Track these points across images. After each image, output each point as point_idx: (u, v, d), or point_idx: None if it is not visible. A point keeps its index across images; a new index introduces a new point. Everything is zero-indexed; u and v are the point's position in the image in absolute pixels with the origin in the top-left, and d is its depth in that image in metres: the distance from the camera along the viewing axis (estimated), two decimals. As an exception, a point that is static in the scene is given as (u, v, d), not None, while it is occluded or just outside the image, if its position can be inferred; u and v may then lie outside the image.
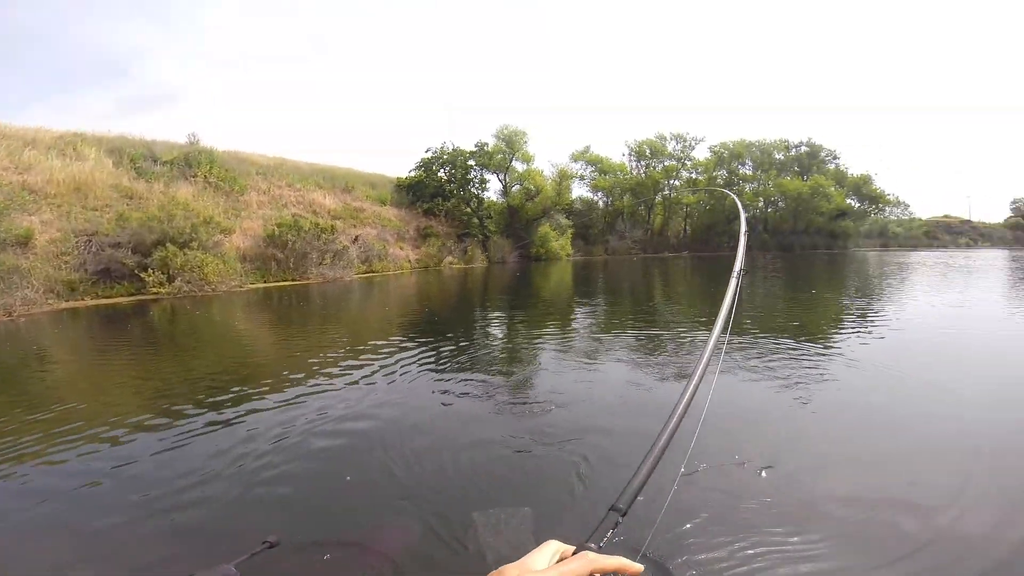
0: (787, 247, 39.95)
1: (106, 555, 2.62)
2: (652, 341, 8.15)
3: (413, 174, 29.97)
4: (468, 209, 30.37)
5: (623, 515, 0.65)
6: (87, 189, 16.48)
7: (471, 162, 30.88)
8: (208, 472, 3.47)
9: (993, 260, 26.42)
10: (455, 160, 30.25)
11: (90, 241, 14.18)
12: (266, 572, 1.70)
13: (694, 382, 0.93)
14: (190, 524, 2.90)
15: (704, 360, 0.98)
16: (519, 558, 0.45)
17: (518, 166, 32.23)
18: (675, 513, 2.72)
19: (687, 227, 42.96)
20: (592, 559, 0.44)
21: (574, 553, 0.47)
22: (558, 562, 0.45)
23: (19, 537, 2.75)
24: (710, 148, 43.06)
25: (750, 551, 2.41)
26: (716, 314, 1.15)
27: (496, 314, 12.21)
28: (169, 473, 3.47)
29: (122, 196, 17.06)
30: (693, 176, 42.52)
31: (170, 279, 13.48)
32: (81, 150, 18.06)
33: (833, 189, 41.58)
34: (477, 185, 31.60)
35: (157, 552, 2.63)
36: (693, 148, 42.01)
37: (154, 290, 13.19)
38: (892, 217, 48.19)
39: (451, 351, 7.67)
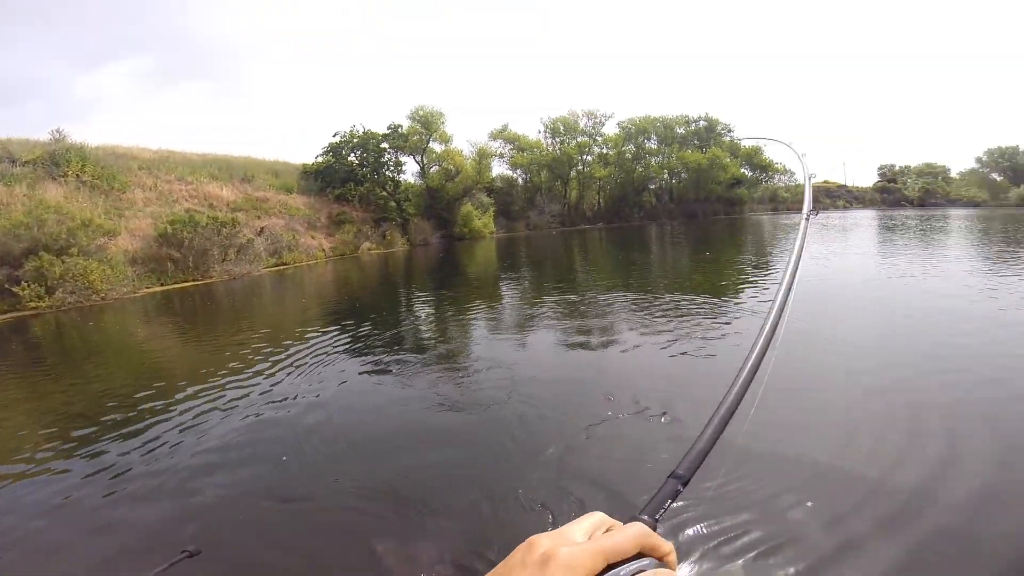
0: (692, 215, 43.18)
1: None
2: (573, 305, 8.55)
3: (320, 159, 28.50)
4: (384, 193, 29.43)
5: (684, 484, 0.59)
6: (-71, 198, 14.25)
7: (384, 145, 29.75)
8: (122, 488, 3.35)
9: (863, 219, 30.70)
10: (366, 143, 29.00)
11: (-58, 256, 12.33)
12: None
13: (760, 343, 0.83)
14: (106, 540, 2.83)
15: (772, 318, 0.88)
16: None
17: (436, 147, 31.56)
18: (730, 485, 2.78)
19: (600, 200, 44.50)
20: (642, 533, 0.40)
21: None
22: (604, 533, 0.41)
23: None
24: (618, 124, 44.97)
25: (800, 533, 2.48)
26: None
27: (423, 294, 12.16)
28: (91, 490, 3.36)
29: (-25, 203, 14.90)
30: (604, 151, 44.07)
31: (49, 291, 12.06)
32: (-86, 154, 15.54)
33: (728, 160, 45.27)
34: (392, 168, 30.55)
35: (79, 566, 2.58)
36: (603, 124, 43.57)
37: (32, 304, 11.74)
38: (780, 184, 53.26)
39: (377, 334, 7.63)
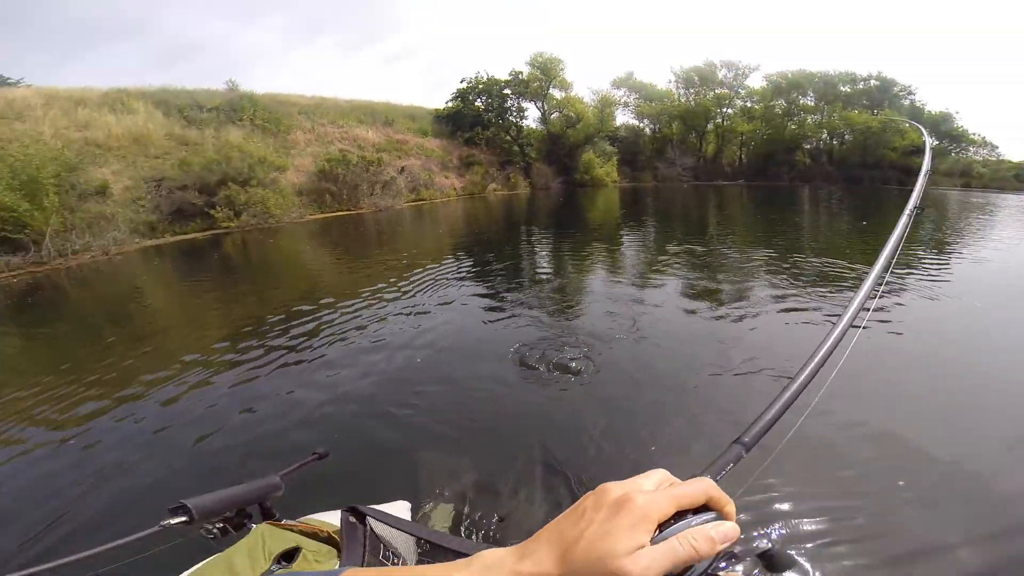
0: (855, 180, 36.89)
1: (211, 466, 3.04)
2: (700, 259, 8.12)
3: (450, 104, 29.66)
4: (508, 137, 30.01)
5: (747, 450, 0.62)
6: (145, 140, 17.16)
7: (506, 91, 30.16)
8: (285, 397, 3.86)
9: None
10: (490, 89, 29.65)
11: (159, 186, 14.95)
12: (308, 481, 1.77)
13: (842, 324, 0.83)
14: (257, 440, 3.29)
15: (857, 302, 0.88)
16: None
17: (556, 93, 31.13)
18: (792, 456, 2.72)
19: (743, 155, 40.38)
20: (709, 486, 0.42)
21: None
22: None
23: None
24: (765, 77, 39.57)
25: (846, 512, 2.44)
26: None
27: (544, 234, 12.47)
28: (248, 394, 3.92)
29: (178, 144, 17.69)
30: (748, 105, 39.44)
31: (237, 214, 14.20)
32: (129, 104, 18.67)
33: (907, 125, 37.93)
34: (515, 113, 30.93)
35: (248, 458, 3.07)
36: (747, 76, 38.88)
37: (224, 224, 13.94)
38: (977, 157, 43.64)
39: (499, 265, 8.11)
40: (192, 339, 5.38)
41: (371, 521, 0.97)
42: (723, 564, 0.41)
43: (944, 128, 40.57)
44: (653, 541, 0.38)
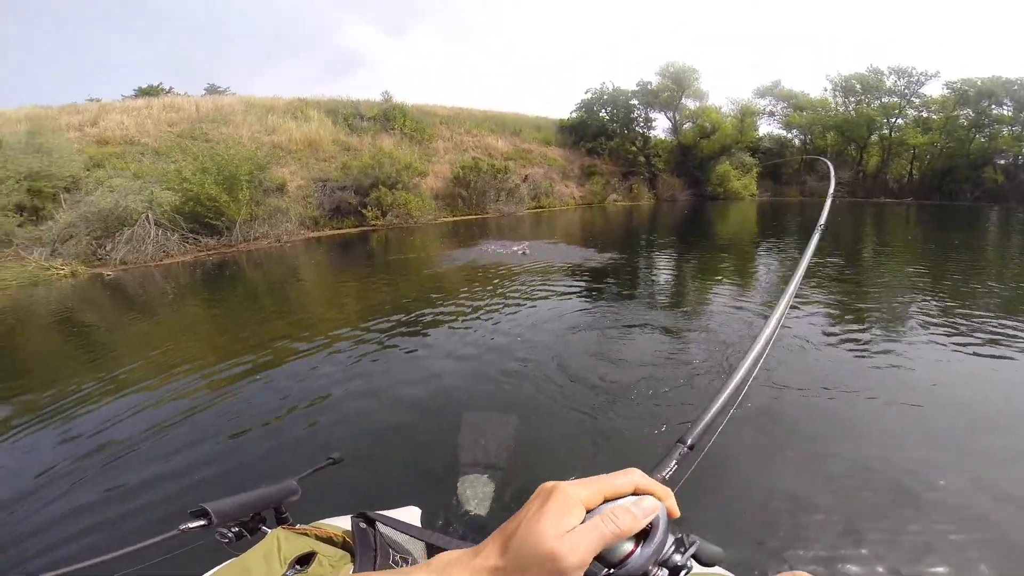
0: None
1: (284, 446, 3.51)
2: (841, 285, 7.59)
3: (575, 115, 30.30)
4: (633, 147, 29.95)
5: (689, 448, 0.65)
6: (317, 145, 20.25)
7: (634, 101, 29.98)
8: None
9: None
10: (616, 99, 29.72)
11: (324, 185, 17.67)
12: (324, 486, 1.79)
13: (771, 326, 0.90)
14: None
15: (782, 307, 0.97)
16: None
17: (689, 103, 30.23)
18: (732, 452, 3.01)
19: (913, 170, 35.53)
20: (638, 475, 0.46)
21: None
22: None
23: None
24: (946, 84, 34.09)
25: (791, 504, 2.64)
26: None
27: (660, 248, 12.50)
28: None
29: (341, 149, 20.62)
30: (923, 115, 34.30)
31: (383, 214, 16.38)
32: (306, 112, 22.06)
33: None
34: (642, 123, 30.74)
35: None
36: (922, 84, 33.85)
37: (372, 222, 16.20)
38: None
39: (606, 275, 8.71)
40: (331, 315, 6.90)
41: (380, 526, 0.99)
42: (677, 555, 0.45)
43: None
44: (593, 512, 0.42)
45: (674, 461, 0.64)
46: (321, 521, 1.09)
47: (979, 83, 33.36)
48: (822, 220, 1.78)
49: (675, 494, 0.46)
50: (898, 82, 33.82)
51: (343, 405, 4.01)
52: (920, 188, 33.94)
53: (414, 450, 3.31)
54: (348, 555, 0.95)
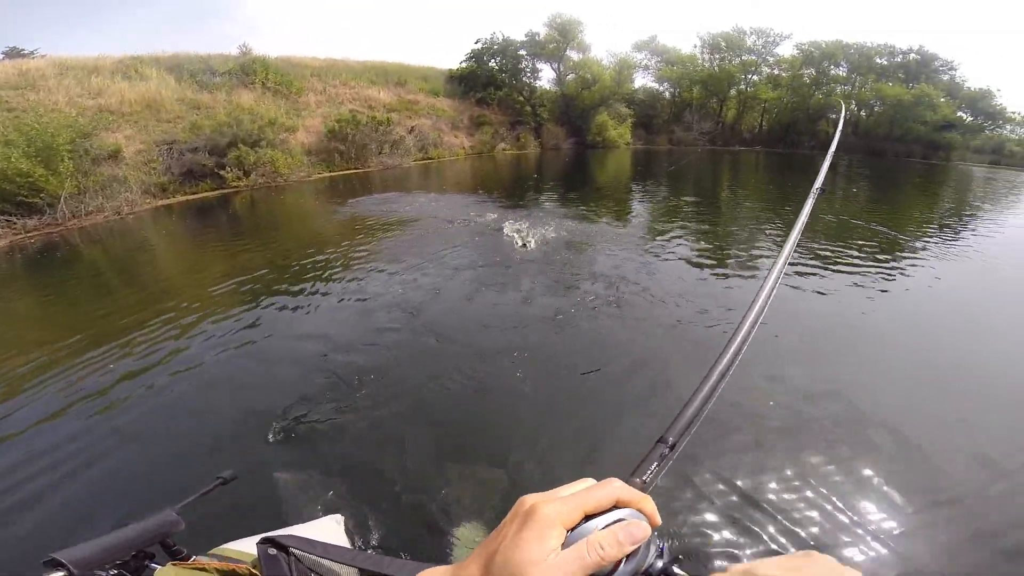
0: (877, 152, 35.68)
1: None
2: (705, 220, 7.98)
3: (464, 65, 29.28)
4: (520, 97, 29.63)
5: (670, 448, 0.61)
6: (157, 105, 17.41)
7: (522, 51, 29.72)
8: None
9: None
10: (505, 50, 29.22)
11: (170, 149, 15.21)
12: (209, 512, 1.55)
13: (754, 312, 0.80)
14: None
15: (768, 287, 0.84)
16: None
17: (573, 55, 30.59)
18: (721, 447, 2.77)
19: (763, 122, 39.56)
20: (617, 487, 0.43)
21: None
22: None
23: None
24: (796, 45, 38.36)
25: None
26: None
27: (547, 192, 12.51)
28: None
29: (190, 108, 17.89)
30: (775, 73, 38.48)
31: (246, 174, 14.44)
32: (142, 71, 18.89)
33: (942, 100, 35.76)
34: (529, 74, 30.57)
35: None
36: (777, 44, 37.74)
37: (234, 184, 14.22)
38: (1013, 135, 40.97)
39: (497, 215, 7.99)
40: (190, 292, 5.67)
41: (296, 552, 0.83)
42: (658, 563, 0.43)
43: (981, 105, 38.52)
44: (564, 546, 0.39)
45: (655, 463, 0.59)
46: (225, 546, 0.99)
47: (823, 45, 37.96)
48: (818, 183, 1.38)
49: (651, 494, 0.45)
50: (757, 41, 37.55)
51: (226, 399, 3.39)
52: (768, 138, 38.18)
53: (325, 446, 2.84)
54: None
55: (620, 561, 0.40)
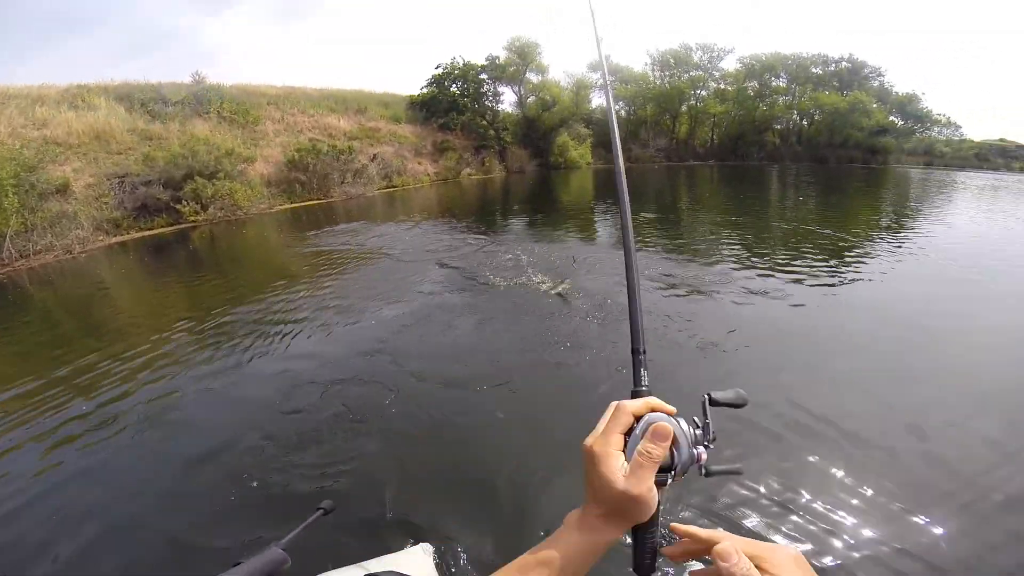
0: (821, 159, 38.08)
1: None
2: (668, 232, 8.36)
3: (425, 91, 29.36)
4: (484, 122, 29.79)
5: (643, 352, 0.66)
6: (107, 136, 16.78)
7: (483, 75, 30.10)
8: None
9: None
10: (466, 74, 29.50)
11: (122, 182, 14.66)
12: (319, 547, 1.57)
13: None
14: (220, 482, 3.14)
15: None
16: None
17: (532, 77, 31.34)
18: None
19: (714, 136, 41.34)
20: (620, 407, 0.56)
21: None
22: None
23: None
24: (739, 60, 40.50)
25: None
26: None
27: (515, 218, 12.66)
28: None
29: (142, 139, 17.33)
30: (721, 87, 40.47)
31: (204, 208, 14.04)
32: (90, 100, 18.20)
33: (875, 106, 38.35)
34: (491, 98, 30.90)
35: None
36: (721, 59, 39.75)
37: (191, 218, 13.79)
38: (940, 136, 44.15)
39: (471, 248, 8.07)
40: (149, 334, 5.47)
41: None
42: (697, 430, 0.55)
43: (910, 109, 41.28)
44: (627, 447, 0.54)
45: (643, 369, 0.65)
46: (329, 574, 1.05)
47: (763, 58, 40.33)
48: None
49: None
50: (703, 57, 39.50)
51: (187, 441, 3.40)
52: (720, 151, 39.96)
53: (409, 472, 2.94)
54: None
55: (672, 452, 0.53)
